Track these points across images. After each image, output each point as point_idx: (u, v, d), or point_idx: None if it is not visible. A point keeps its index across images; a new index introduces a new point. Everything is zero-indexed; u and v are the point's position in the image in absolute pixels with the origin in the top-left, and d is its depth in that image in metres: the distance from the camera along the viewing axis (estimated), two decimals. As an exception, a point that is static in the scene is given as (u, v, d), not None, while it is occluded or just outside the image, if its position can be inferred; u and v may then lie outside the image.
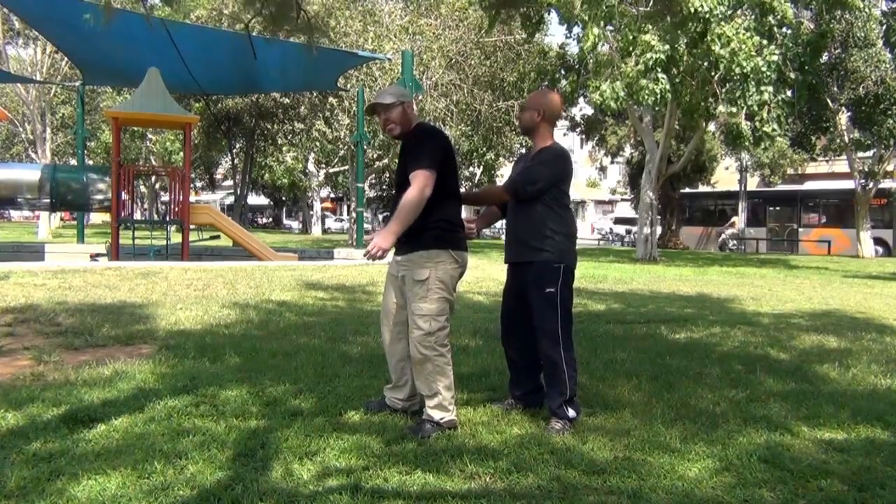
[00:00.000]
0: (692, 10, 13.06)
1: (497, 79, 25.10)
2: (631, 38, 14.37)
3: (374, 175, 30.01)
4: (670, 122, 18.86)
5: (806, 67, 16.47)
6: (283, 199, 52.97)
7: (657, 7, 14.37)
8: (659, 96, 14.33)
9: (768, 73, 14.22)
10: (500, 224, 4.36)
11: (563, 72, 20.22)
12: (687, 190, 31.36)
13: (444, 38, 23.47)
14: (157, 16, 17.04)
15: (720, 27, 13.74)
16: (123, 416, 3.33)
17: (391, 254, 3.42)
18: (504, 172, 36.23)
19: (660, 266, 15.60)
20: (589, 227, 47.88)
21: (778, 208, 28.54)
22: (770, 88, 14.46)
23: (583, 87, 17.97)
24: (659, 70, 14.11)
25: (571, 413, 3.38)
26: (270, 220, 61.75)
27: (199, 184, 47.78)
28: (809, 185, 28.60)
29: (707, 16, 13.28)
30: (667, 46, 14.01)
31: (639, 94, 14.23)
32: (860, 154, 23.44)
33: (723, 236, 30.33)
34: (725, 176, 36.08)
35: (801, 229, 27.10)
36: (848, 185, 24.28)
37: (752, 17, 15.06)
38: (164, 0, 20.06)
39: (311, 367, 4.37)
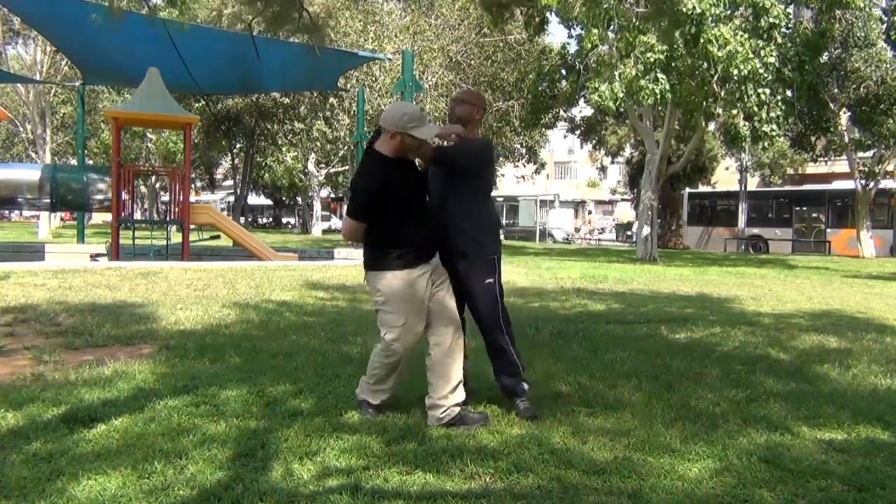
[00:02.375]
0: (685, 10, 13.06)
1: (497, 79, 25.10)
2: (631, 39, 14.37)
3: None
4: (670, 122, 18.85)
5: (806, 67, 16.47)
6: (283, 198, 52.94)
7: (654, 7, 14.35)
8: (659, 96, 14.33)
9: (765, 76, 14.21)
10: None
11: (563, 72, 20.21)
12: (689, 190, 31.24)
13: (444, 38, 23.46)
14: (159, 16, 17.05)
15: (717, 29, 13.74)
16: (123, 416, 3.33)
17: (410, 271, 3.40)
18: (504, 172, 36.30)
19: (660, 266, 15.59)
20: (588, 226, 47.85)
21: (804, 207, 28.09)
22: (766, 91, 14.46)
23: (582, 88, 17.97)
24: (658, 70, 14.11)
25: (526, 386, 3.65)
26: (270, 219, 61.75)
27: (199, 184, 47.77)
28: (837, 185, 27.98)
29: (700, 17, 13.28)
30: (665, 46, 14.01)
31: (638, 94, 14.23)
32: (860, 154, 23.41)
33: (587, 232, 34.43)
34: (725, 176, 36.05)
35: (828, 230, 26.79)
36: (883, 183, 23.58)
37: (749, 17, 15.06)
38: (168, 1, 20.10)
39: (311, 367, 4.37)
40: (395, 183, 3.37)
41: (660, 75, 14.18)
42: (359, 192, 3.47)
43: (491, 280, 3.57)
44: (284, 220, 56.84)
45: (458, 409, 3.36)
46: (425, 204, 3.55)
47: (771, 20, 14.47)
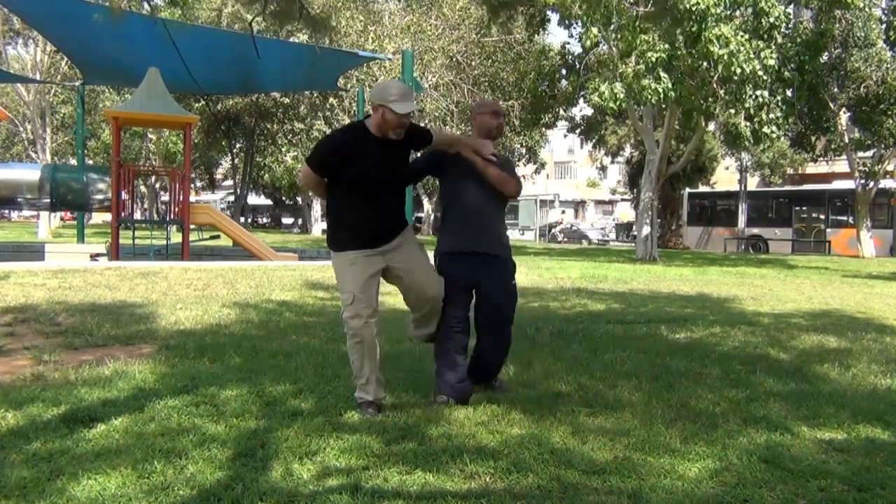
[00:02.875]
0: (687, 6, 13.05)
1: (497, 79, 25.08)
2: (631, 38, 14.37)
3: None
4: (670, 122, 18.85)
5: (806, 67, 16.46)
6: (283, 198, 52.88)
7: (657, 7, 14.34)
8: (662, 95, 14.32)
9: (764, 77, 14.21)
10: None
11: (563, 72, 20.20)
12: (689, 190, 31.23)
13: (445, 38, 23.45)
14: (160, 16, 17.06)
15: (718, 28, 13.73)
16: (123, 416, 3.33)
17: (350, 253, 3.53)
18: (504, 172, 36.11)
19: (659, 266, 15.59)
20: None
21: (804, 207, 27.94)
22: (765, 93, 14.46)
23: (582, 88, 17.97)
24: (660, 69, 14.10)
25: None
26: (270, 219, 61.74)
27: (199, 184, 47.76)
28: (837, 185, 27.92)
29: (704, 13, 13.26)
30: (667, 45, 14.00)
31: (641, 93, 14.22)
32: (860, 154, 23.38)
33: (553, 231, 35.04)
34: (725, 176, 36.03)
35: (828, 230, 26.72)
36: (883, 183, 23.51)
37: (750, 18, 15.05)
38: (169, 1, 20.10)
39: (311, 367, 4.37)
40: (366, 153, 3.44)
41: (662, 74, 14.17)
42: (322, 142, 3.67)
43: (514, 282, 3.94)
44: (289, 221, 56.75)
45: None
46: (401, 192, 3.73)
47: (772, 21, 14.47)
